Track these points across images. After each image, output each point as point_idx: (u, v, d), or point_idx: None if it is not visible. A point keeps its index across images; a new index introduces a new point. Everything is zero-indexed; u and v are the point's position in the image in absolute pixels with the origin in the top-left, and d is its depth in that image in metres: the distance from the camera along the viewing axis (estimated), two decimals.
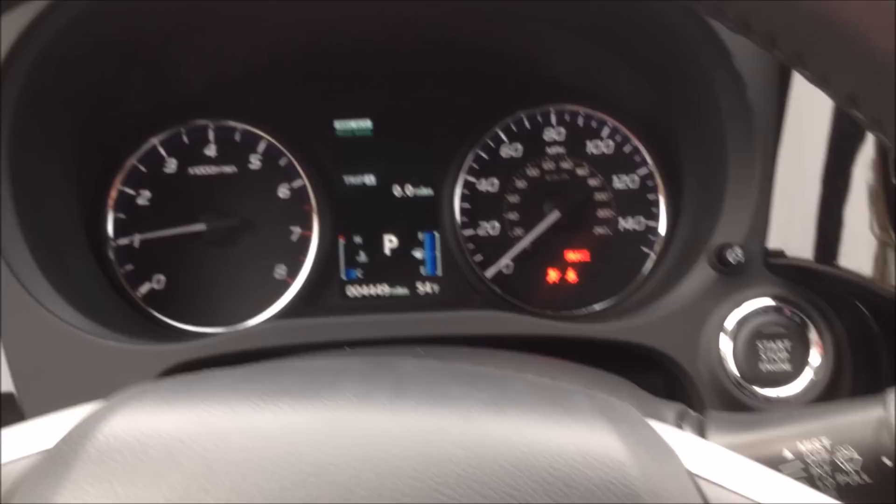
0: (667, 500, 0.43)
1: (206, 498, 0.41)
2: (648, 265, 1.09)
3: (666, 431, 0.47)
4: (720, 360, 0.88)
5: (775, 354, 0.88)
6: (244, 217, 1.10)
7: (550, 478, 0.42)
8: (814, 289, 0.89)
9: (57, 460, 0.46)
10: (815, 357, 0.87)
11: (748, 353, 0.88)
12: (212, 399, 0.48)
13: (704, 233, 0.91)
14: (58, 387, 0.88)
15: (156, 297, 1.09)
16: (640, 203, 1.10)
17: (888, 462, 0.55)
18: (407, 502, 0.41)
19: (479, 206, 1.11)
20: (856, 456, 0.55)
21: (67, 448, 0.46)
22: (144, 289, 1.09)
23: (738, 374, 0.88)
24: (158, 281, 1.10)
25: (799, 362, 0.87)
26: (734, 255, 0.86)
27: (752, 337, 0.88)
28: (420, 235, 1.12)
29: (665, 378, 0.96)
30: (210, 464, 0.43)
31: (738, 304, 0.89)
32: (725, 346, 0.88)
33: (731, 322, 0.89)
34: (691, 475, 0.45)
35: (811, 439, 0.56)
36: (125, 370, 0.88)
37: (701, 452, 0.46)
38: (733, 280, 0.88)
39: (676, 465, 0.45)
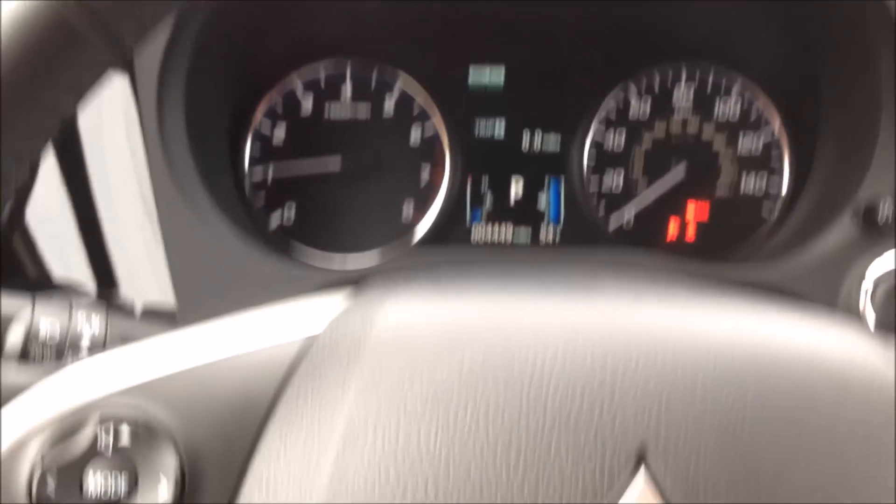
0: None
1: (494, 374, 0.44)
2: (766, 228, 1.12)
3: None
4: (858, 310, 0.91)
5: None
6: (377, 156, 1.13)
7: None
8: None
9: (339, 342, 0.49)
10: None
11: (885, 306, 0.91)
12: (481, 294, 0.52)
13: (846, 189, 0.94)
14: (216, 296, 0.91)
15: (285, 227, 1.13)
16: (763, 165, 1.13)
17: None
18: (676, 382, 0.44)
19: (605, 159, 1.14)
20: None
21: (346, 331, 0.49)
22: (275, 217, 1.13)
23: (875, 324, 0.91)
24: (290, 208, 1.13)
25: None
26: (884, 210, 0.89)
27: (891, 291, 0.91)
28: (546, 181, 1.15)
29: None
30: (505, 339, 0.46)
31: (879, 258, 0.92)
32: (864, 297, 0.91)
33: (871, 275, 0.91)
34: None
35: None
36: (284, 285, 0.91)
37: None
38: (875, 235, 0.91)
39: None
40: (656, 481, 0.42)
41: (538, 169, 1.15)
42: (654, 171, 1.14)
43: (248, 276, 0.92)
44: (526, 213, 1.15)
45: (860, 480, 0.42)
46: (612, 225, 1.14)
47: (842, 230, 0.93)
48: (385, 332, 0.47)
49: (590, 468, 0.42)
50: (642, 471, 0.42)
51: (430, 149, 1.14)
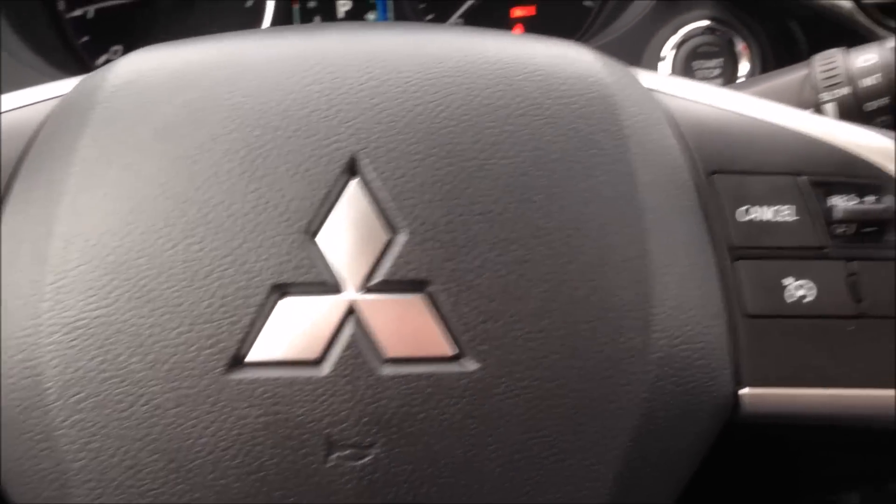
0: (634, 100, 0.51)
1: (218, 101, 0.47)
2: (591, 18, 1.15)
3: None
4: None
5: (709, 72, 0.97)
6: None
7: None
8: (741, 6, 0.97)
9: (80, 95, 0.50)
10: (745, 66, 0.97)
11: (684, 74, 0.96)
12: (217, 44, 0.53)
13: None
14: None
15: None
16: None
17: None
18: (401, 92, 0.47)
19: None
20: None
21: (88, 84, 0.51)
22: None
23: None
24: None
25: (730, 74, 0.96)
26: None
27: (688, 58, 0.96)
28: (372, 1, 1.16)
29: None
30: (228, 73, 0.49)
31: (676, 30, 0.96)
32: (664, 69, 0.96)
33: (668, 48, 0.96)
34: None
35: None
36: None
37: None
38: (672, 6, 0.96)
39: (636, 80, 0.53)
40: (368, 187, 0.46)
41: None
42: None
43: None
44: None
45: (557, 165, 0.47)
46: None
47: (638, 6, 0.97)
48: (121, 77, 0.49)
49: (306, 178, 0.45)
50: (356, 179, 0.46)
51: None
